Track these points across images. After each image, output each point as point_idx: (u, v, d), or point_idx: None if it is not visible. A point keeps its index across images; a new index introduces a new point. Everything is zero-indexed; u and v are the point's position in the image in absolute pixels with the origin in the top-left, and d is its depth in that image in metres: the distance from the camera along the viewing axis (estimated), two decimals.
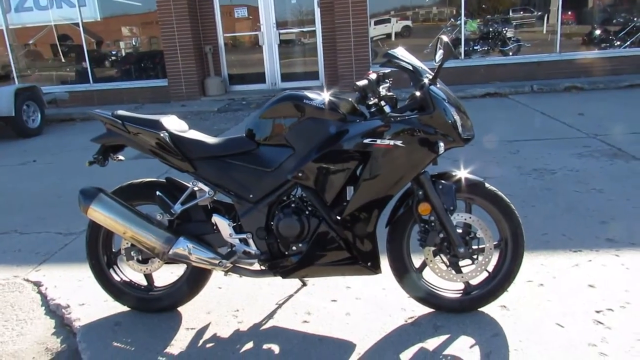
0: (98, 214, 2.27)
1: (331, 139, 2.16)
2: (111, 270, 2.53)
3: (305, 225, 2.24)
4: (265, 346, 2.22)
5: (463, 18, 10.09)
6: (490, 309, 2.36)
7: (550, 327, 2.21)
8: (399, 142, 2.09)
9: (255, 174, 2.27)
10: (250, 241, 2.31)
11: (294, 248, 2.28)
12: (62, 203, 4.48)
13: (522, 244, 2.29)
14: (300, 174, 2.18)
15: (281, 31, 10.81)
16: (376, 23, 10.61)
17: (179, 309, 2.56)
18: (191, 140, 2.31)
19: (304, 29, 10.84)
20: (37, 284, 2.97)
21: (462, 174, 2.27)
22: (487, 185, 2.28)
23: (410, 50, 2.29)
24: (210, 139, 2.35)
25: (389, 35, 10.65)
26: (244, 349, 2.21)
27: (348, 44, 9.92)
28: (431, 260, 2.30)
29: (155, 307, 2.51)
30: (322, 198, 2.20)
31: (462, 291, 2.37)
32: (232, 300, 2.60)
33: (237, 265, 2.36)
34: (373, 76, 2.15)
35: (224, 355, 2.17)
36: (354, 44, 9.90)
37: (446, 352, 2.09)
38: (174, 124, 2.38)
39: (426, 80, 2.12)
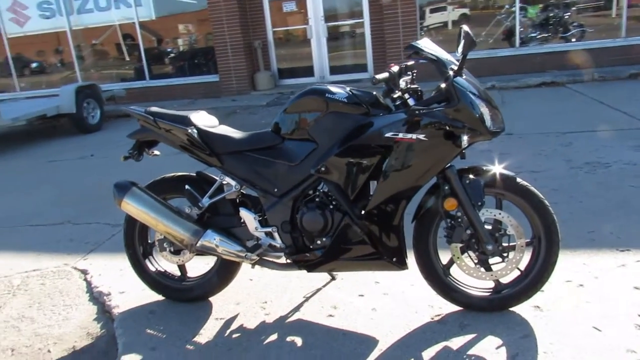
0: (130, 207, 2.36)
1: (354, 133, 2.14)
2: (147, 261, 2.63)
3: (328, 220, 2.23)
4: (289, 338, 2.24)
5: (518, 4, 9.66)
6: (522, 309, 2.27)
7: (586, 330, 2.10)
8: (421, 136, 2.04)
9: (280, 168, 2.29)
10: (276, 235, 2.33)
11: (318, 242, 2.29)
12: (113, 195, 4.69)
13: (557, 241, 2.18)
14: (323, 169, 2.18)
15: (329, 24, 10.79)
16: (432, 11, 10.35)
17: (211, 299, 2.63)
18: (218, 135, 2.36)
19: (352, 21, 10.76)
20: (84, 272, 3.13)
21: (493, 168, 2.19)
22: (518, 180, 2.18)
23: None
24: (237, 134, 2.39)
25: (445, 24, 10.38)
26: (268, 340, 2.24)
27: (396, 35, 9.76)
28: (458, 257, 2.24)
29: (188, 297, 2.59)
30: (345, 192, 2.19)
31: (492, 290, 2.29)
32: (262, 292, 2.65)
33: (263, 258, 2.39)
34: (395, 69, 2.11)
35: (249, 345, 2.22)
36: (402, 34, 9.72)
37: (471, 352, 2.03)
38: (202, 119, 2.43)
39: (451, 72, 2.06)
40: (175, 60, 11.43)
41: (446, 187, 2.16)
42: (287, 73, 11.30)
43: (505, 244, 2.21)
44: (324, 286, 2.64)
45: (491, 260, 2.23)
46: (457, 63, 2.09)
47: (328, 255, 2.26)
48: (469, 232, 2.18)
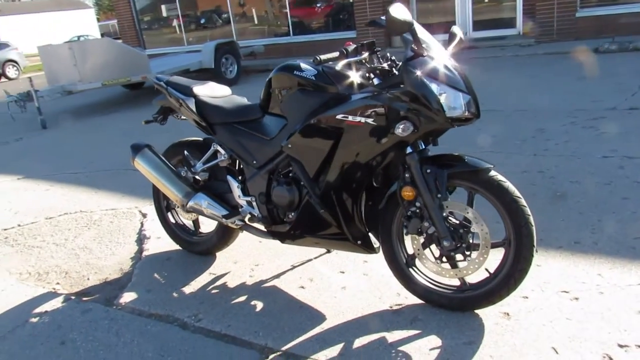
0: (140, 165, 2.68)
1: (317, 112, 2.12)
2: (169, 213, 2.97)
3: (295, 196, 2.28)
4: (253, 302, 2.39)
5: None
6: (489, 314, 2.08)
7: (542, 350, 1.86)
8: (370, 120, 1.95)
9: (258, 142, 2.38)
10: (254, 204, 2.46)
11: (289, 216, 2.35)
12: None
13: (528, 246, 1.93)
14: (289, 145, 2.21)
15: None
16: None
17: (218, 254, 2.88)
18: (213, 106, 2.52)
19: None
20: (144, 215, 3.64)
21: (468, 158, 1.99)
22: (492, 173, 1.96)
23: None
24: (231, 105, 2.52)
25: None
26: (237, 300, 2.43)
27: None
28: (419, 250, 2.12)
29: (195, 250, 2.89)
30: (306, 171, 2.20)
31: (455, 288, 2.13)
32: (259, 255, 2.82)
33: (249, 224, 2.55)
34: (351, 47, 2.01)
35: (218, 302, 2.43)
36: None
37: (402, 347, 1.96)
38: (207, 90, 2.60)
39: (410, 52, 1.90)
40: (318, 16, 11.70)
41: (407, 175, 2.04)
42: (427, 28, 10.77)
43: (469, 242, 2.02)
44: (315, 258, 2.71)
45: (458, 257, 2.07)
46: (425, 41, 1.92)
47: (295, 229, 2.32)
48: (426, 224, 2.04)
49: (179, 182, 2.62)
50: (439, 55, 1.93)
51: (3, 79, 19.18)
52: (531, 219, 1.94)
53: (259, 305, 2.37)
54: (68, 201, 4.14)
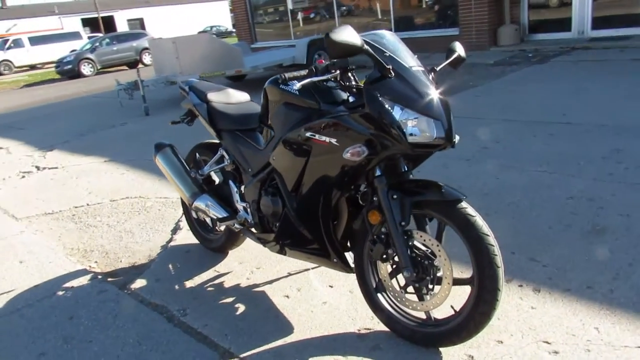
0: (159, 163, 2.88)
1: (296, 127, 2.12)
2: (192, 210, 3.15)
3: (278, 207, 2.30)
4: (237, 304, 2.48)
5: None
6: (454, 354, 1.95)
7: None
8: (333, 140, 1.91)
9: (253, 151, 2.44)
10: (249, 210, 2.53)
11: (275, 226, 2.39)
12: None
13: (491, 288, 1.78)
14: (273, 157, 2.24)
15: None
16: None
17: (230, 252, 3.01)
18: (221, 112, 2.62)
19: None
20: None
21: (444, 187, 1.86)
22: (460, 205, 1.83)
23: None
24: (237, 113, 2.60)
25: None
26: (224, 300, 2.53)
27: None
28: (385, 277, 2.04)
29: (209, 247, 3.04)
30: (285, 184, 2.22)
31: (420, 321, 2.02)
32: (264, 259, 2.89)
33: (247, 228, 2.63)
34: (321, 65, 1.97)
35: (207, 300, 2.55)
36: None
37: None
38: (221, 96, 2.72)
39: (376, 72, 1.82)
40: (423, 12, 11.38)
41: (374, 198, 1.97)
42: (539, 27, 10.01)
43: (433, 275, 1.91)
44: (312, 268, 2.72)
45: (423, 290, 1.96)
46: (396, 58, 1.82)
47: (278, 239, 2.35)
48: (391, 251, 1.96)
49: (189, 182, 2.77)
50: (410, 75, 1.82)
51: (140, 65, 21.30)
52: (498, 259, 1.77)
53: (241, 309, 2.44)
54: (133, 186, 4.55)
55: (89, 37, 26.13)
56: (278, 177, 2.24)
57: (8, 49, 25.51)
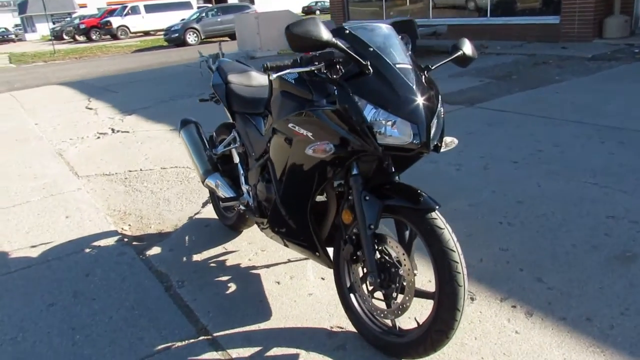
0: (181, 139, 3.00)
1: (286, 116, 2.11)
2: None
3: (271, 193, 2.32)
4: (230, 283, 2.55)
5: None
6: None
7: None
8: (309, 134, 1.87)
9: (257, 135, 2.46)
10: (251, 193, 2.56)
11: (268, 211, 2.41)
12: None
13: (449, 307, 1.68)
14: (269, 144, 2.25)
15: None
16: None
17: (245, 231, 3.08)
18: (237, 95, 2.66)
19: None
20: None
21: (422, 195, 1.76)
22: (429, 215, 1.72)
23: None
24: (250, 96, 2.62)
25: None
26: (220, 278, 2.61)
27: None
28: (356, 280, 1.99)
29: (225, 224, 3.13)
30: (275, 171, 2.22)
31: (385, 328, 1.95)
32: (271, 242, 2.90)
33: (249, 210, 2.67)
34: (306, 57, 1.91)
35: (205, 275, 2.65)
36: None
37: None
38: (242, 78, 2.75)
39: (355, 68, 1.75)
40: None
41: (350, 197, 1.92)
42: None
43: (400, 284, 1.83)
44: None
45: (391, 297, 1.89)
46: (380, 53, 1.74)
47: (270, 225, 2.37)
48: (360, 253, 1.90)
49: (204, 160, 2.86)
50: (391, 73, 1.72)
51: None
52: (460, 277, 1.66)
53: (231, 288, 2.51)
54: (185, 156, 4.78)
55: (198, 8, 27.45)
56: (270, 164, 2.25)
57: (126, 15, 27.58)
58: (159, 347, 2.12)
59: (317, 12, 40.02)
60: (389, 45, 1.82)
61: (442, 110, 1.82)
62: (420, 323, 1.83)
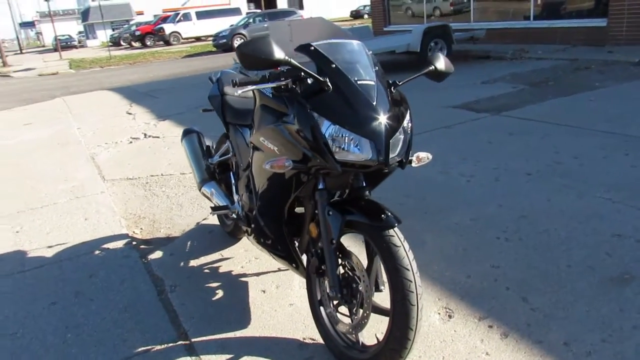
0: (183, 147, 3.10)
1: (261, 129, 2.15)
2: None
3: (253, 205, 2.36)
4: (219, 290, 2.61)
5: None
6: None
7: None
8: (276, 149, 1.90)
9: (244, 147, 2.51)
10: (240, 203, 2.62)
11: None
12: None
13: (401, 326, 1.66)
14: (250, 156, 2.30)
15: None
16: None
17: (244, 238, 3.15)
18: (230, 106, 2.73)
19: None
20: None
21: (386, 212, 1.75)
22: (387, 232, 1.71)
23: None
24: (241, 108, 2.68)
25: None
26: (210, 284, 2.68)
27: None
28: (324, 293, 2.00)
29: (225, 230, 3.20)
30: (255, 183, 2.26)
31: (349, 343, 1.95)
32: None
33: (239, 219, 2.73)
34: (274, 73, 1.94)
35: (197, 281, 2.73)
36: None
37: None
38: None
39: (316, 86, 1.76)
40: (563, 1, 10.19)
41: (316, 212, 1.93)
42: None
43: (359, 299, 1.83)
44: None
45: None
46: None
47: (253, 234, 2.41)
48: (324, 267, 1.91)
49: (201, 169, 2.94)
50: (351, 90, 1.72)
51: None
52: (412, 297, 1.64)
53: (218, 295, 2.57)
54: None
55: (247, 14, 28.09)
56: (251, 175, 2.30)
57: (178, 21, 28.57)
58: (139, 349, 2.21)
59: (365, 15, 39.99)
60: (354, 62, 1.82)
61: (409, 126, 1.81)
62: (380, 340, 1.82)
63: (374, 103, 1.71)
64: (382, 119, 1.69)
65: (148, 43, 30.23)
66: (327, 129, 1.69)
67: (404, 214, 3.25)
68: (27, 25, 71.65)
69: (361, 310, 1.82)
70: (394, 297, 1.67)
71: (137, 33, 31.41)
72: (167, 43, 28.53)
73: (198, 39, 29.68)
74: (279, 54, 1.67)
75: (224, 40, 21.59)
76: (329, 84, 1.73)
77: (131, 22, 40.21)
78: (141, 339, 2.28)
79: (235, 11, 29.04)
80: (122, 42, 34.77)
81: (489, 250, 2.68)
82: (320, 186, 1.87)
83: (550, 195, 3.28)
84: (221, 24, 25.95)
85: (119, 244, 3.32)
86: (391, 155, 1.71)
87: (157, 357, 2.15)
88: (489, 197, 3.36)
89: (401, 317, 1.65)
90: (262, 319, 2.33)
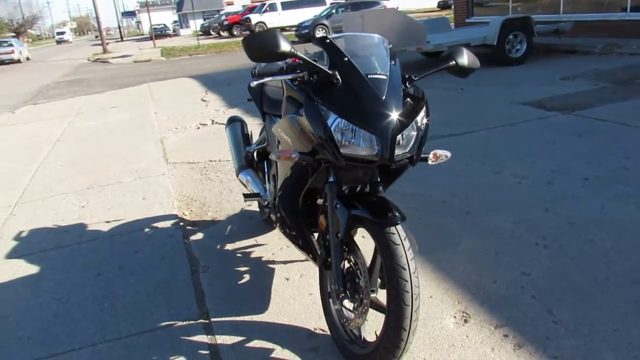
0: (226, 134, 3.20)
1: None
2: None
3: (276, 191, 2.41)
4: (246, 275, 2.70)
5: None
6: None
7: None
8: (289, 140, 1.94)
9: (273, 136, 2.56)
10: (270, 192, 2.68)
11: None
12: None
13: (394, 326, 1.64)
14: (276, 145, 2.35)
15: None
16: None
17: None
18: (267, 96, 2.79)
19: None
20: None
21: (393, 209, 1.74)
22: (389, 230, 1.69)
23: None
24: (278, 98, 2.73)
25: None
26: (239, 268, 2.78)
27: None
28: (331, 287, 2.01)
29: (262, 218, 3.29)
30: (278, 172, 2.30)
31: (352, 337, 1.95)
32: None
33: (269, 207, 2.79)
34: (293, 64, 1.96)
35: (226, 263, 2.84)
36: None
37: None
38: (277, 81, 2.86)
39: (325, 77, 1.77)
40: None
41: (326, 204, 1.94)
42: None
43: (361, 294, 1.82)
44: None
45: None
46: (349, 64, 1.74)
47: (278, 222, 2.47)
48: (330, 260, 1.92)
49: (240, 156, 3.04)
50: (360, 84, 1.71)
51: None
52: (407, 297, 1.62)
53: (245, 279, 2.66)
54: None
55: (331, 4, 28.18)
56: (275, 166, 2.35)
57: (264, 12, 29.25)
58: (162, 323, 2.35)
59: (452, 6, 38.67)
60: (370, 55, 1.81)
61: (423, 122, 1.77)
62: (378, 336, 1.80)
63: (383, 97, 1.69)
64: (391, 114, 1.66)
65: (235, 33, 31.26)
66: (333, 122, 1.69)
67: (446, 212, 3.20)
68: (129, 14, 76.64)
69: (362, 305, 1.81)
70: (389, 295, 1.65)
71: (225, 23, 32.58)
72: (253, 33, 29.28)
73: (283, 29, 30.15)
74: (284, 46, 1.68)
75: (306, 31, 21.86)
76: (338, 77, 1.73)
77: (221, 12, 41.79)
78: (167, 314, 2.42)
79: (320, 2, 29.21)
80: (211, 32, 36.24)
81: (523, 256, 2.55)
82: (331, 179, 1.88)
83: (605, 203, 3.04)
84: (305, 15, 26.24)
85: (168, 223, 3.51)
86: (400, 152, 1.69)
87: (177, 332, 2.27)
88: (537, 201, 3.18)
89: (395, 316, 1.63)
90: (280, 305, 2.39)
